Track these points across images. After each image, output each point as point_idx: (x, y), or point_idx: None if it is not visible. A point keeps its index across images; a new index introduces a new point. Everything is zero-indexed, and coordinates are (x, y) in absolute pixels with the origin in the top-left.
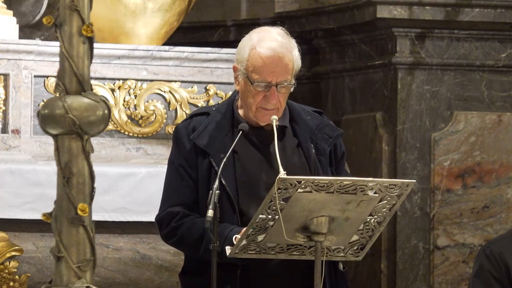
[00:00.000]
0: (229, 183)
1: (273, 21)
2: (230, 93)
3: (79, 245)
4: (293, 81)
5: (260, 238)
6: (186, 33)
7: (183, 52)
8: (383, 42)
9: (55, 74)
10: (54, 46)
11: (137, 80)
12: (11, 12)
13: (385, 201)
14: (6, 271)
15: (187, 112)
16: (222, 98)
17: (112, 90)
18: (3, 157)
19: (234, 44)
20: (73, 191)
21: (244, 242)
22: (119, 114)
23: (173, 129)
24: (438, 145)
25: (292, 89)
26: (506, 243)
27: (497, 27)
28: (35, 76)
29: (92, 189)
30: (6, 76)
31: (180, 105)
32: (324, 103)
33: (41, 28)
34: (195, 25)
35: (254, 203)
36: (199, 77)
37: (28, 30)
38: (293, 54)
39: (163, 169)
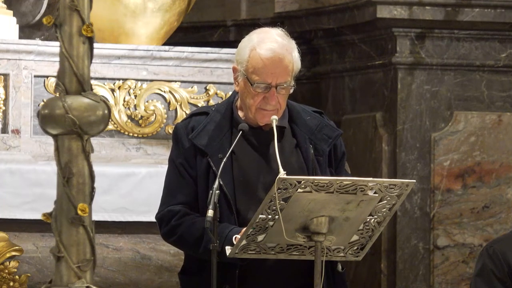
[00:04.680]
0: (227, 183)
1: (273, 21)
2: (230, 93)
3: (79, 245)
4: (293, 83)
5: (260, 238)
6: (186, 33)
7: (183, 52)
8: (383, 42)
9: (55, 74)
10: (54, 46)
11: (137, 80)
12: (11, 12)
13: (385, 201)
14: (6, 271)
15: (187, 112)
16: (222, 98)
17: (112, 90)
18: (3, 157)
19: (234, 44)
20: (73, 191)
21: (244, 242)
22: (119, 114)
23: (173, 129)
24: (438, 145)
25: (291, 91)
26: (509, 243)
27: (497, 27)
28: (35, 76)
29: (92, 189)
30: (6, 76)
31: (180, 105)
32: (324, 103)
33: (41, 28)
34: (195, 25)
35: (252, 203)
36: (199, 77)
37: (28, 30)
38: (293, 56)
39: (163, 169)
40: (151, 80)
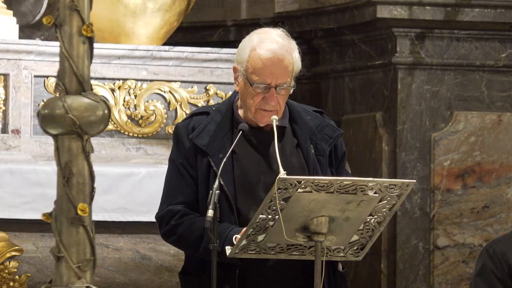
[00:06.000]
0: (228, 183)
1: (273, 21)
2: (230, 93)
3: (79, 245)
4: (293, 83)
5: (260, 238)
6: (186, 33)
7: (183, 52)
8: (383, 42)
9: (55, 74)
10: (54, 46)
11: (137, 80)
12: (11, 12)
13: (385, 201)
14: (6, 271)
15: (187, 112)
16: (222, 98)
17: (112, 90)
18: (3, 157)
19: (234, 44)
20: (73, 191)
21: (244, 242)
22: (119, 114)
23: (173, 128)
24: (438, 145)
25: (291, 91)
26: (509, 243)
27: (497, 27)
28: (35, 76)
29: (92, 189)
30: (6, 76)
31: (180, 105)
32: (324, 103)
33: (41, 28)
34: (195, 25)
35: (252, 204)
36: (199, 77)
37: (28, 30)
38: (293, 56)
39: (163, 169)
40: (151, 80)
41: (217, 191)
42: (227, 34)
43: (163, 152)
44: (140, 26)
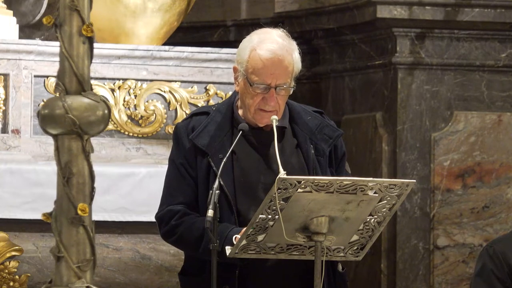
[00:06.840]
0: (227, 184)
1: (273, 21)
2: (230, 93)
3: (79, 245)
4: (293, 84)
5: (260, 238)
6: (186, 33)
7: (183, 52)
8: (383, 42)
9: (55, 74)
10: (54, 46)
11: (137, 80)
12: (11, 12)
13: (385, 201)
14: (6, 271)
15: (187, 112)
16: (222, 98)
17: (112, 90)
18: (3, 157)
19: (234, 44)
20: (73, 191)
21: (244, 242)
22: (119, 114)
23: (173, 128)
24: (438, 145)
25: (291, 92)
26: (509, 243)
27: (497, 27)
28: (35, 76)
29: (92, 189)
30: (6, 76)
31: (180, 105)
32: (324, 103)
33: (41, 28)
34: (195, 25)
35: (252, 204)
36: (199, 77)
37: (28, 30)
38: (293, 57)
39: (163, 169)
40: (151, 80)
41: (217, 191)
42: (227, 34)
43: (163, 152)
44: (140, 26)
